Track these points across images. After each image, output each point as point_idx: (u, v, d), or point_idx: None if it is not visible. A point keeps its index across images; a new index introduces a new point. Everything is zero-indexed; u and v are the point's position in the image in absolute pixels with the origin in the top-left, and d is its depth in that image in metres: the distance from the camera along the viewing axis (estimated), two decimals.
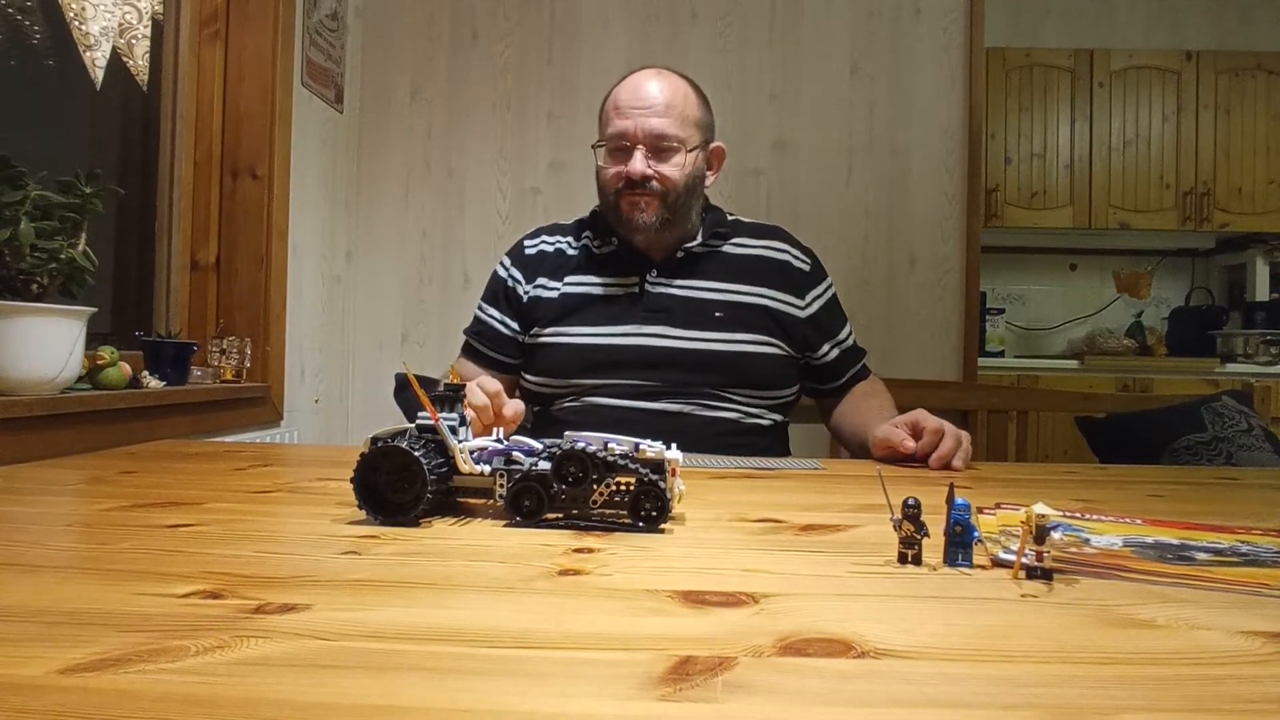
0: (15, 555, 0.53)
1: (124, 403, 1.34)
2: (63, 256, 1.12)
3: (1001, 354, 3.53)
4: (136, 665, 0.35)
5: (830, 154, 2.37)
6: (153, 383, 1.47)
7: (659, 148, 1.20)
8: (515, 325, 1.31)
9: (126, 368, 1.37)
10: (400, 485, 0.64)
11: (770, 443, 1.28)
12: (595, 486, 0.64)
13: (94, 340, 1.28)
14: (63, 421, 1.22)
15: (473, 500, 0.70)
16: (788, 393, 1.30)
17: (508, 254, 1.36)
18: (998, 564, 0.54)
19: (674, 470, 0.65)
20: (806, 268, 1.32)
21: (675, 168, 1.21)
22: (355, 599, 0.45)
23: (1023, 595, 0.48)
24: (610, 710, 0.32)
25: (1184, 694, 0.34)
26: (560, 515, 0.65)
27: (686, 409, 1.21)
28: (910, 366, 2.31)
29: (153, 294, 1.80)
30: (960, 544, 0.54)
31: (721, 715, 0.32)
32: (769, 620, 0.43)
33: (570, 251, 1.32)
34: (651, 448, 0.65)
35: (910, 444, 1.06)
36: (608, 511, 0.65)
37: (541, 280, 1.30)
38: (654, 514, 0.64)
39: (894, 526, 0.54)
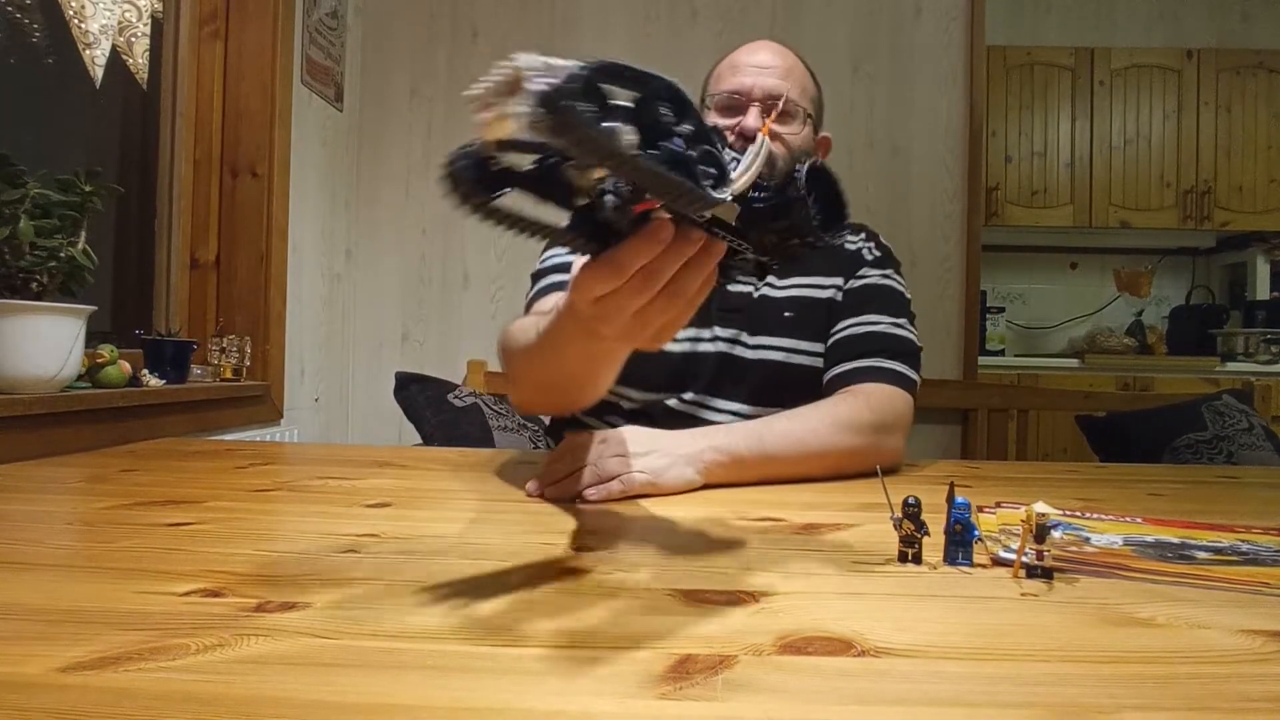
0: (15, 554, 0.53)
1: (124, 401, 1.34)
2: (62, 255, 1.12)
3: (1002, 353, 3.53)
4: (136, 663, 0.35)
5: (831, 152, 2.36)
6: (152, 381, 1.47)
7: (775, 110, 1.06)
8: None
9: (126, 366, 1.37)
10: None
11: None
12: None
13: (93, 338, 1.28)
14: (62, 420, 1.22)
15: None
16: None
17: None
18: (998, 563, 0.54)
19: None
20: (873, 256, 1.17)
21: (791, 133, 1.08)
22: (355, 597, 0.45)
23: (1023, 594, 0.48)
24: (610, 708, 0.32)
25: (1184, 692, 0.34)
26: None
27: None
28: None
29: (152, 292, 1.80)
30: (960, 543, 0.54)
31: (722, 714, 0.32)
32: (769, 619, 0.43)
33: None
34: None
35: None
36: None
37: None
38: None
39: (894, 525, 0.54)
